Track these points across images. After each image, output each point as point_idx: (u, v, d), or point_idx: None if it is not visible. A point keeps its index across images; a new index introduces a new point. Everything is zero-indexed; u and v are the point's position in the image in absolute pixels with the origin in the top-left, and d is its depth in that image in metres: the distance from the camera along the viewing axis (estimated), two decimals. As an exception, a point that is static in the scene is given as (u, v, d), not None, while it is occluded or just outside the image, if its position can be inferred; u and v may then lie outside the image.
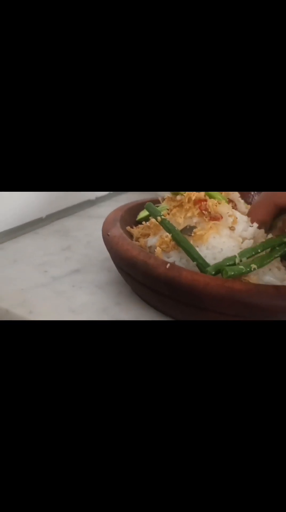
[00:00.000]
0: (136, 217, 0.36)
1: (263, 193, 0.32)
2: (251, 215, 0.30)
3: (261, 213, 0.30)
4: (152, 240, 0.29)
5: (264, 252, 0.26)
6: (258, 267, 0.24)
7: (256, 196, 0.48)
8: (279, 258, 0.27)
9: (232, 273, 0.22)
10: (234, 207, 0.33)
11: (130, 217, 0.36)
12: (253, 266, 0.23)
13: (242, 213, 0.34)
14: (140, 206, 0.37)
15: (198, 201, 0.28)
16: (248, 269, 0.23)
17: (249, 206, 0.37)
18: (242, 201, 0.36)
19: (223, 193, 0.33)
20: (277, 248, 0.26)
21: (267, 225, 0.30)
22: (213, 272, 0.24)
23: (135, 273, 0.26)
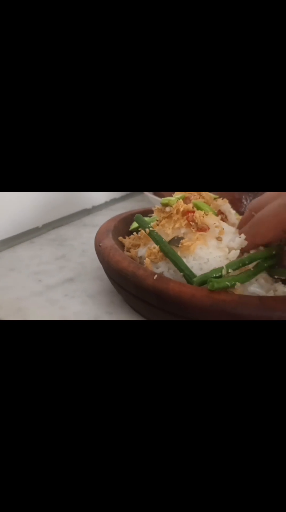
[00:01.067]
0: (129, 226, 0.37)
1: (247, 226, 0.30)
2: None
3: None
4: (142, 251, 0.30)
5: (251, 265, 0.27)
6: (242, 283, 0.24)
7: (248, 206, 0.49)
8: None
9: (217, 286, 0.23)
10: (225, 218, 0.34)
11: (123, 227, 0.37)
12: (237, 283, 0.24)
13: (233, 224, 0.35)
14: (133, 216, 0.38)
15: (186, 213, 0.29)
16: (232, 284, 0.24)
17: (240, 217, 0.38)
18: (234, 211, 0.36)
19: (213, 204, 0.34)
20: (263, 263, 0.26)
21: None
22: (199, 283, 0.24)
23: (125, 284, 0.27)
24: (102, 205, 0.59)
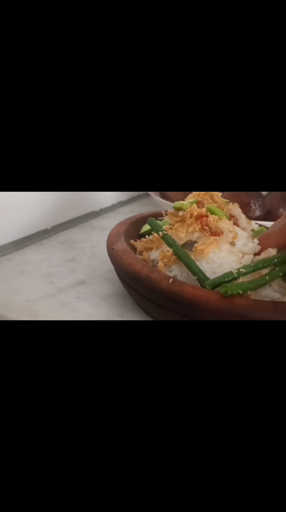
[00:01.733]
0: (139, 230, 0.37)
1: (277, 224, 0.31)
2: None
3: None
4: (154, 254, 0.30)
5: (265, 270, 0.27)
6: (254, 291, 0.25)
7: (257, 210, 0.49)
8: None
9: (230, 292, 0.23)
10: (236, 222, 0.34)
11: (133, 230, 0.37)
12: (250, 291, 0.24)
13: (243, 228, 0.35)
14: (143, 219, 0.38)
15: (199, 217, 0.30)
16: (245, 291, 0.24)
17: (250, 222, 0.38)
18: (244, 216, 0.37)
19: (225, 209, 0.34)
20: (279, 271, 0.26)
21: None
22: (212, 286, 0.24)
23: (138, 287, 0.27)
24: (109, 207, 0.59)
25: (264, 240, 0.30)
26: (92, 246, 0.45)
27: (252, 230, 0.38)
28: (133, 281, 0.27)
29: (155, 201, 0.56)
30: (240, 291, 0.23)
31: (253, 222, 0.40)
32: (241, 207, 0.38)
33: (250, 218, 0.46)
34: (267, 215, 0.49)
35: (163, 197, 0.59)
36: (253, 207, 0.48)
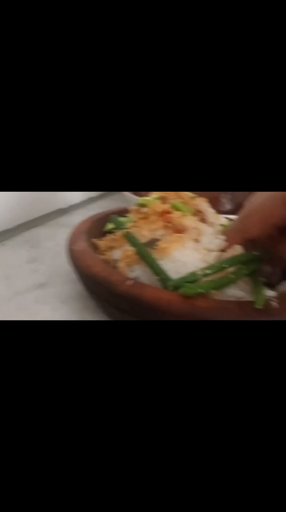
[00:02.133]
0: (104, 227, 0.36)
1: (236, 220, 0.30)
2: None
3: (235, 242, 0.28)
4: (117, 253, 0.29)
5: (231, 269, 0.26)
6: (217, 290, 0.23)
7: (227, 204, 0.48)
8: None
9: (191, 292, 0.22)
10: (203, 217, 0.33)
11: (98, 228, 0.35)
12: (213, 291, 0.23)
13: (211, 223, 0.34)
14: (109, 216, 0.36)
15: (163, 214, 0.28)
16: (208, 291, 0.23)
17: (219, 216, 0.37)
18: (212, 210, 0.35)
19: (191, 204, 0.33)
20: (244, 269, 0.25)
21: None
22: (174, 287, 0.23)
23: (97, 290, 0.25)
24: (78, 204, 0.57)
25: (244, 219, 0.28)
26: (57, 245, 0.42)
27: (222, 224, 0.37)
28: (92, 284, 0.25)
29: (127, 197, 0.54)
30: (202, 290, 0.22)
31: (223, 216, 0.39)
32: (210, 201, 0.37)
33: (220, 212, 0.45)
34: (238, 209, 0.48)
35: (136, 193, 0.57)
36: (223, 201, 0.47)
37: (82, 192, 0.57)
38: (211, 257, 0.27)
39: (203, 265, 0.27)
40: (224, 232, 0.30)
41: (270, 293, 0.25)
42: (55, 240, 0.44)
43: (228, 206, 0.47)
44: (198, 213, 0.33)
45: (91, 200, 0.60)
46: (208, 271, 0.24)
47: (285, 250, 0.25)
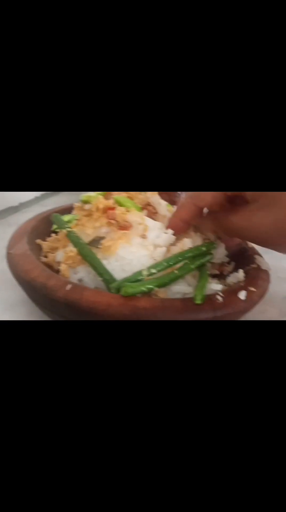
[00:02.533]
0: (52, 226, 0.34)
1: (183, 194, 0.31)
2: (172, 218, 0.29)
3: (182, 214, 0.29)
4: (60, 255, 0.27)
5: (178, 265, 0.25)
6: (161, 287, 0.22)
7: (184, 194, 0.47)
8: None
9: (132, 291, 0.21)
10: (152, 211, 0.32)
11: (46, 227, 0.33)
12: (155, 288, 0.22)
13: (163, 216, 0.33)
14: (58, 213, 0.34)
15: (106, 210, 0.27)
16: (150, 288, 0.22)
17: (172, 208, 0.36)
18: (165, 203, 0.34)
19: (139, 198, 0.31)
20: (190, 264, 0.25)
21: (189, 227, 0.29)
22: (117, 289, 0.22)
23: (35, 296, 0.23)
24: (32, 200, 0.53)
25: (174, 214, 0.28)
26: (5, 247, 0.39)
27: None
28: (30, 290, 0.24)
29: (83, 192, 0.52)
30: (144, 288, 0.21)
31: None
32: (164, 193, 0.35)
33: (175, 203, 0.45)
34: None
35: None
36: (179, 192, 0.46)
37: (35, 187, 0.54)
38: (159, 253, 0.26)
39: (150, 261, 0.26)
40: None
41: (216, 286, 0.25)
42: (3, 242, 0.41)
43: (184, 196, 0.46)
44: (148, 207, 0.32)
45: (45, 196, 0.57)
46: (153, 270, 0.23)
47: (234, 220, 0.25)
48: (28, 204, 0.53)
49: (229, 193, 0.26)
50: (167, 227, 0.28)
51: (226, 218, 0.26)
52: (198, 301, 0.21)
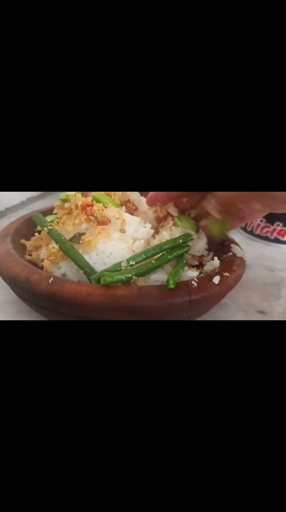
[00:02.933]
0: (36, 227, 0.35)
1: None
2: (149, 200, 0.31)
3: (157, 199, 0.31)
4: (43, 252, 0.28)
5: (156, 256, 0.26)
6: (139, 276, 0.24)
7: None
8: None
9: (109, 280, 0.22)
10: (133, 207, 0.33)
11: (29, 228, 0.34)
12: (134, 277, 0.23)
13: (144, 212, 0.34)
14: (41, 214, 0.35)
15: (84, 207, 0.28)
16: (128, 277, 0.23)
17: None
18: (144, 199, 0.36)
19: (119, 195, 0.32)
20: (168, 254, 0.26)
21: (170, 199, 0.31)
22: (97, 280, 0.23)
23: (19, 291, 0.24)
24: (17, 205, 0.54)
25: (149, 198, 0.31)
26: (-8, 251, 0.40)
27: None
28: (14, 286, 0.25)
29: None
30: (122, 277, 0.22)
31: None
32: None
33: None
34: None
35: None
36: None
37: (20, 192, 0.55)
38: (138, 246, 0.27)
39: (130, 254, 0.27)
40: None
41: (192, 274, 0.26)
42: (-9, 245, 0.42)
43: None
44: (127, 203, 0.33)
45: (31, 200, 0.58)
46: (132, 262, 0.25)
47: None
48: (14, 209, 0.54)
49: None
50: (150, 198, 0.30)
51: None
52: (170, 286, 0.22)
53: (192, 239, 0.29)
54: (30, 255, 0.29)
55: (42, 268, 0.27)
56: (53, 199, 0.62)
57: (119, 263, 0.24)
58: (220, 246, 0.32)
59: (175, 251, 0.27)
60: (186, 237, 0.28)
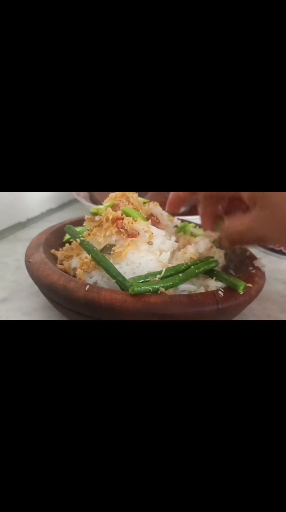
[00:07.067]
0: (62, 238, 0.36)
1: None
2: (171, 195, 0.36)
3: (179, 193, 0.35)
4: (75, 262, 0.30)
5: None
6: (167, 288, 0.25)
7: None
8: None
9: (137, 290, 0.23)
10: (156, 221, 0.35)
11: (56, 239, 0.36)
12: (161, 288, 0.25)
13: (165, 226, 0.36)
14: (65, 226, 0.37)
15: (115, 220, 0.29)
16: (155, 288, 0.24)
17: (173, 218, 0.39)
18: (166, 214, 0.38)
19: (144, 209, 0.34)
20: (195, 269, 0.28)
21: (184, 203, 0.37)
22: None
23: (57, 298, 0.26)
24: (37, 217, 0.57)
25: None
26: (17, 260, 0.42)
27: (176, 226, 0.39)
28: (51, 293, 0.26)
29: (86, 206, 0.55)
30: (149, 288, 0.24)
31: (176, 218, 0.41)
32: (164, 204, 0.39)
33: (175, 214, 0.48)
34: (192, 211, 0.51)
35: (92, 201, 0.58)
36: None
37: (40, 204, 0.58)
38: (164, 257, 0.29)
39: (157, 264, 0.29)
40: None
41: (218, 284, 0.27)
42: (15, 255, 0.44)
43: (182, 209, 0.50)
44: (151, 217, 0.35)
45: (50, 212, 0.60)
46: (167, 273, 0.26)
47: (235, 225, 0.29)
48: (35, 220, 0.56)
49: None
50: (167, 203, 0.34)
51: (227, 227, 0.29)
52: (240, 291, 0.25)
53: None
54: (62, 264, 0.31)
55: (73, 276, 0.28)
56: (70, 211, 0.64)
57: (151, 274, 0.26)
58: (242, 258, 0.34)
59: (202, 266, 0.28)
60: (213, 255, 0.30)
